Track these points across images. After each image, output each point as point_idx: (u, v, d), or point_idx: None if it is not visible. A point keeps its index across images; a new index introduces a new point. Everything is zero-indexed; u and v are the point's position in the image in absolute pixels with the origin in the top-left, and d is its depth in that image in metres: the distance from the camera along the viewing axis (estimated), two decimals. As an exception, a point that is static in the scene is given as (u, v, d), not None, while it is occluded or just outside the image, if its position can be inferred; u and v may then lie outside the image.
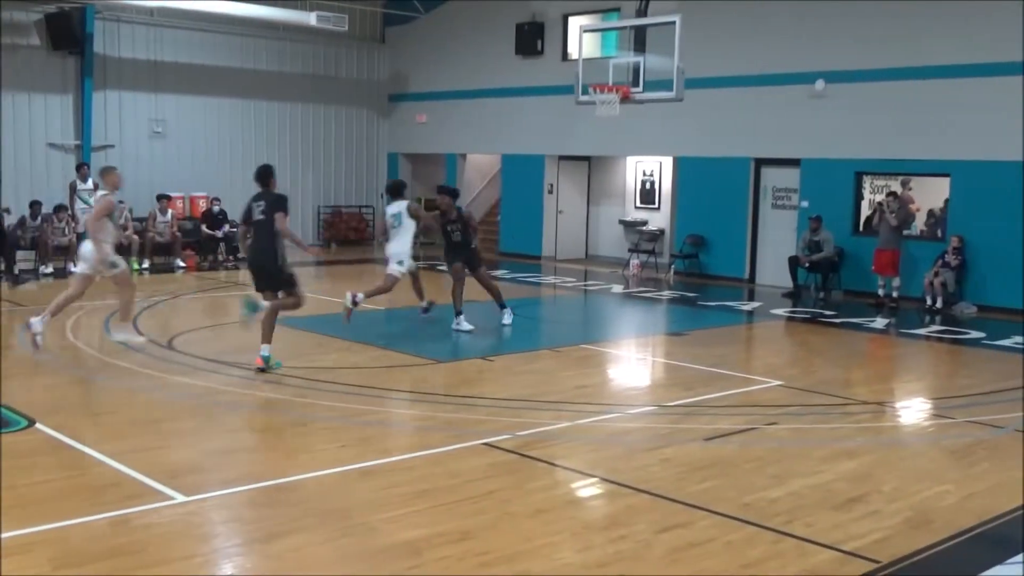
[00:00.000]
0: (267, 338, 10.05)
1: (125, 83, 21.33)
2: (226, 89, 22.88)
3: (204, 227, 20.55)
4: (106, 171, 10.98)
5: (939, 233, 16.82)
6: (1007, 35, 15.22)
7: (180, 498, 6.24)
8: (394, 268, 12.71)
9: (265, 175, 10.27)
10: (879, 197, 17.24)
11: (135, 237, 18.82)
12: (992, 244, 15.57)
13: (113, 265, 10.61)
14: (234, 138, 23.17)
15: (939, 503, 6.52)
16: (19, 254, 17.71)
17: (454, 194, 13.53)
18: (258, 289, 10.38)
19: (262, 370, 9.94)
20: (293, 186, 24.24)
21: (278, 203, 10.07)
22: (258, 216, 10.09)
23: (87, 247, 10.57)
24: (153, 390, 9.29)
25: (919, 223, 17.43)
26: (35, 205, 18.21)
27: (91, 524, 5.78)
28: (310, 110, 24.54)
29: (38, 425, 7.82)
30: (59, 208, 18.06)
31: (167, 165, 21.86)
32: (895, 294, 16.01)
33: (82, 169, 18.39)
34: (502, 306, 13.27)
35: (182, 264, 19.33)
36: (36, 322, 10.46)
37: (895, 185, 17.30)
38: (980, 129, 15.67)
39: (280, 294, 10.25)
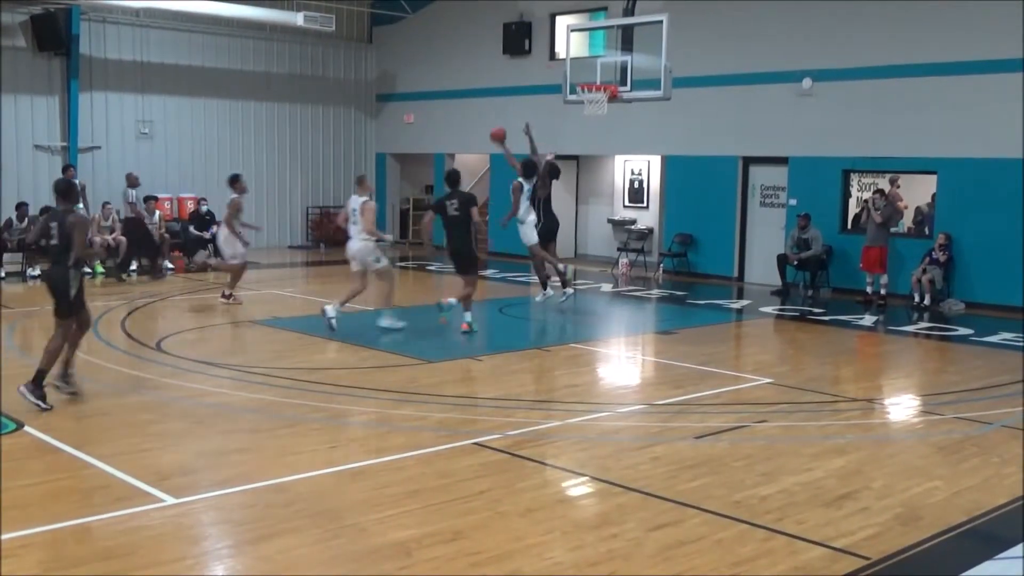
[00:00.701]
0: (468, 306, 12.44)
1: (111, 84, 21.24)
2: (213, 90, 22.82)
3: (192, 228, 20.48)
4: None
5: (927, 230, 16.89)
6: (994, 32, 15.29)
7: (170, 500, 6.22)
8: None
9: (454, 179, 12.54)
10: (867, 195, 17.30)
11: (123, 239, 18.75)
12: (979, 241, 15.64)
13: (377, 260, 12.49)
14: (221, 139, 23.11)
15: (928, 499, 6.54)
16: (6, 256, 17.61)
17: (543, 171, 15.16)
18: (458, 271, 12.76)
19: (466, 333, 12.29)
20: (281, 187, 24.23)
21: (471, 201, 12.45)
22: (452, 212, 12.27)
23: (355, 246, 12.40)
24: (142, 392, 9.26)
25: (907, 220, 17.49)
26: (21, 207, 18.12)
27: (81, 527, 5.76)
28: (297, 110, 24.49)
29: (27, 428, 7.79)
30: (46, 210, 17.96)
31: (154, 166, 21.77)
32: (883, 291, 16.06)
33: (69, 171, 18.33)
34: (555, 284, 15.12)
35: (171, 266, 19.25)
36: (330, 308, 12.12)
37: (883, 183, 17.35)
38: (967, 126, 15.73)
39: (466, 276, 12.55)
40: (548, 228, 14.89)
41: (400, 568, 5.29)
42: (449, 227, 12.39)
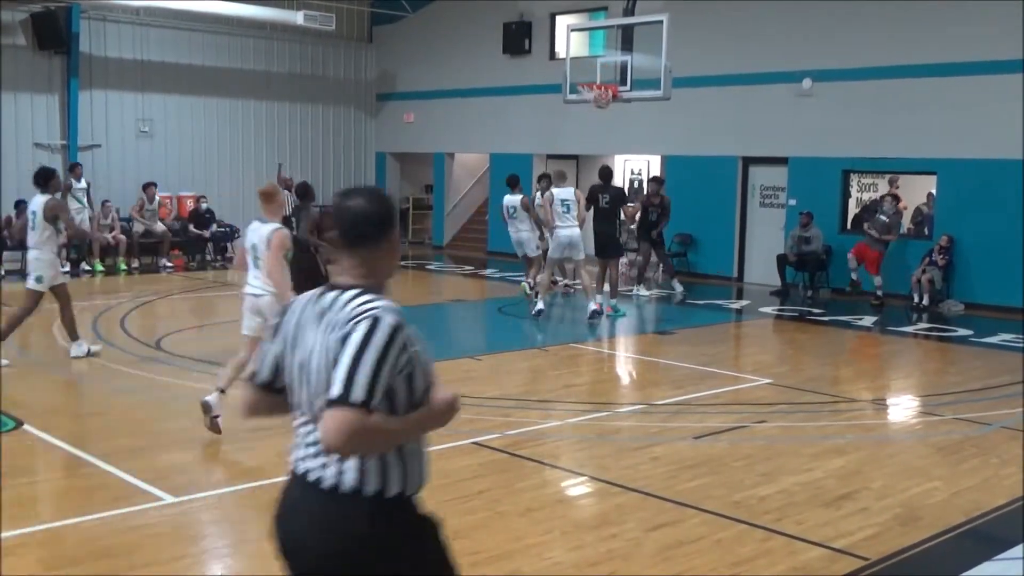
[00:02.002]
0: (614, 294, 14.22)
1: (111, 82, 21.23)
2: (213, 88, 22.80)
3: (191, 227, 20.48)
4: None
5: (926, 231, 16.88)
6: (994, 33, 15.29)
7: (169, 499, 6.22)
8: (531, 249, 15.15)
9: (608, 175, 14.19)
10: (867, 195, 17.32)
11: (122, 237, 18.77)
12: (979, 242, 15.64)
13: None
14: (221, 138, 23.09)
15: (928, 500, 6.55)
16: (5, 255, 17.61)
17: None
18: (600, 256, 14.11)
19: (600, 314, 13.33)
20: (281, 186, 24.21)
21: (623, 198, 14.31)
22: (604, 205, 13.83)
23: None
24: (141, 391, 9.26)
25: (906, 221, 17.49)
26: (21, 204, 18.09)
27: (81, 525, 5.76)
28: (297, 109, 24.47)
29: (26, 426, 7.79)
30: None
31: (154, 165, 21.73)
32: (879, 292, 16.06)
33: (76, 169, 18.37)
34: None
35: (169, 264, 19.25)
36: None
37: (882, 183, 17.37)
38: (967, 127, 15.73)
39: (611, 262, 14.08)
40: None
41: (399, 567, 5.28)
42: (599, 217, 13.95)
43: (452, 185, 24.72)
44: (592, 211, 14.07)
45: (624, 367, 11.82)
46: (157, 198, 19.81)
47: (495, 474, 6.92)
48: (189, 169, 22.38)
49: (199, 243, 20.42)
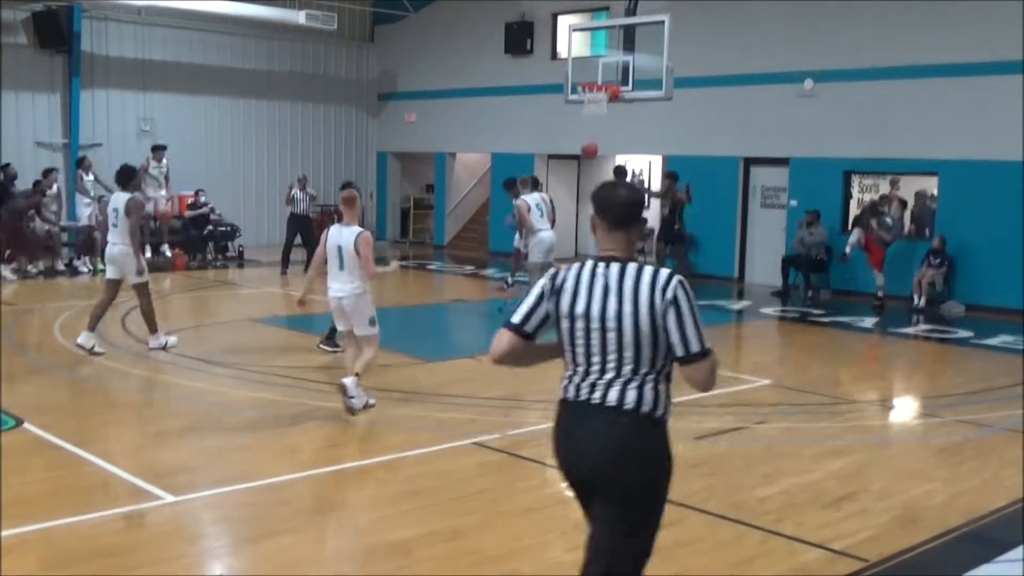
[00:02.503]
0: None
1: (113, 82, 21.24)
2: (214, 88, 22.81)
3: (188, 213, 20.55)
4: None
5: (927, 232, 16.87)
6: (996, 34, 15.28)
7: (169, 498, 6.22)
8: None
9: (622, 174, 14.40)
10: (868, 196, 17.32)
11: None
12: (980, 243, 15.63)
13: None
14: (222, 137, 23.10)
15: (927, 502, 6.54)
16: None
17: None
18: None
19: None
20: (282, 185, 24.18)
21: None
22: None
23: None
24: (142, 390, 9.26)
25: (906, 222, 17.48)
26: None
27: (80, 524, 5.76)
28: (299, 109, 24.48)
29: (26, 425, 7.79)
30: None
31: (155, 164, 21.78)
32: (880, 292, 16.05)
33: (84, 161, 18.42)
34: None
35: (168, 253, 19.27)
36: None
37: (883, 184, 17.36)
38: (968, 128, 15.72)
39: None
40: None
41: (399, 567, 5.29)
42: None
43: (453, 185, 24.72)
44: None
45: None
46: (165, 161, 19.71)
47: (495, 474, 6.92)
48: (190, 168, 22.36)
49: (200, 242, 20.41)
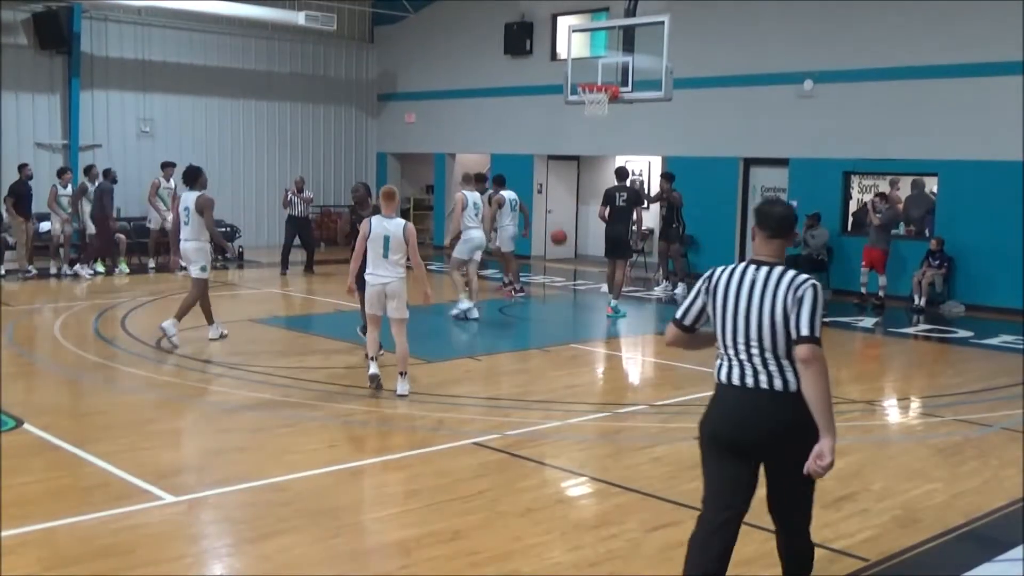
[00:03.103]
0: (618, 295, 14.22)
1: (112, 83, 21.25)
2: (214, 89, 22.82)
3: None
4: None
5: (927, 232, 16.87)
6: (996, 35, 15.29)
7: (169, 498, 6.22)
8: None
9: (624, 175, 14.65)
10: (867, 196, 17.30)
11: (121, 236, 18.75)
12: (980, 243, 15.63)
13: None
14: (222, 138, 23.11)
15: (927, 501, 6.54)
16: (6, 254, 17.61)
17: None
18: (610, 255, 14.11)
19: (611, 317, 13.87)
20: (281, 186, 24.17)
21: (639, 199, 14.75)
22: (620, 204, 14.03)
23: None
24: (141, 390, 9.26)
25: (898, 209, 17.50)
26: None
27: (80, 524, 5.76)
28: (298, 110, 24.49)
29: (26, 425, 7.79)
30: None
31: (155, 165, 21.64)
32: (881, 293, 16.05)
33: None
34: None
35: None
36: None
37: (883, 185, 17.36)
38: (968, 128, 15.73)
39: (619, 262, 14.10)
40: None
41: (399, 568, 5.29)
42: (613, 216, 14.12)
43: (453, 186, 24.69)
44: (608, 211, 14.21)
45: (624, 368, 11.82)
46: (173, 179, 19.48)
47: (495, 474, 6.92)
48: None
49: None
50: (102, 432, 7.87)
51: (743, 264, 4.44)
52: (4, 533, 5.50)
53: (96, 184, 17.82)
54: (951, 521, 6.17)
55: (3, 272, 17.09)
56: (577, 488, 6.89)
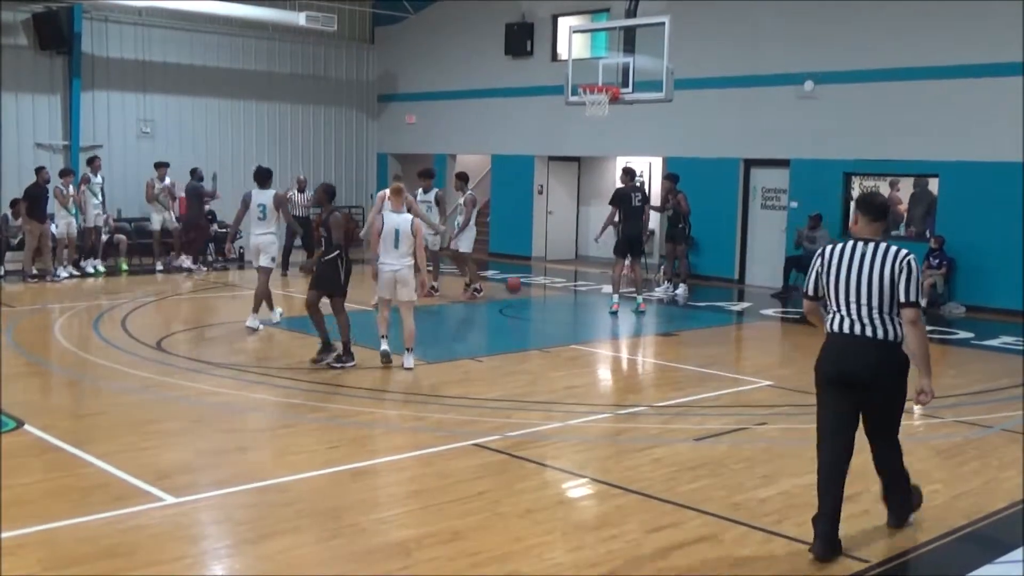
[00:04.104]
0: (639, 290, 14.82)
1: (113, 83, 21.24)
2: (214, 89, 22.81)
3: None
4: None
5: (927, 233, 16.87)
6: (995, 36, 15.29)
7: (170, 499, 6.22)
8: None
9: (632, 175, 14.74)
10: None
11: (122, 237, 18.75)
12: (980, 244, 15.63)
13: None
14: (223, 138, 23.09)
15: (928, 503, 6.52)
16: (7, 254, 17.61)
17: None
18: (628, 254, 14.45)
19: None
20: (283, 187, 24.13)
21: (648, 197, 15.11)
22: (636, 204, 14.29)
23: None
24: (142, 391, 9.26)
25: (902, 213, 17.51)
26: (16, 204, 18.01)
27: (80, 525, 5.76)
28: (299, 110, 24.47)
29: (27, 426, 7.79)
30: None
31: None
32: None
33: (95, 162, 18.41)
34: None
35: (190, 266, 18.92)
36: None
37: (883, 186, 17.36)
38: (968, 129, 15.73)
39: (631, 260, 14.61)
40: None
41: (400, 568, 5.29)
42: (629, 216, 14.30)
43: (453, 187, 24.69)
44: (622, 211, 14.32)
45: (625, 369, 11.82)
46: (168, 179, 19.53)
47: (495, 475, 6.92)
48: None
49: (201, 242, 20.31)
50: (102, 433, 7.87)
51: (850, 242, 5.65)
52: (4, 534, 5.50)
53: (189, 182, 18.99)
54: (952, 522, 6.17)
55: (3, 272, 17.09)
56: (577, 489, 6.89)
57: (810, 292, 5.82)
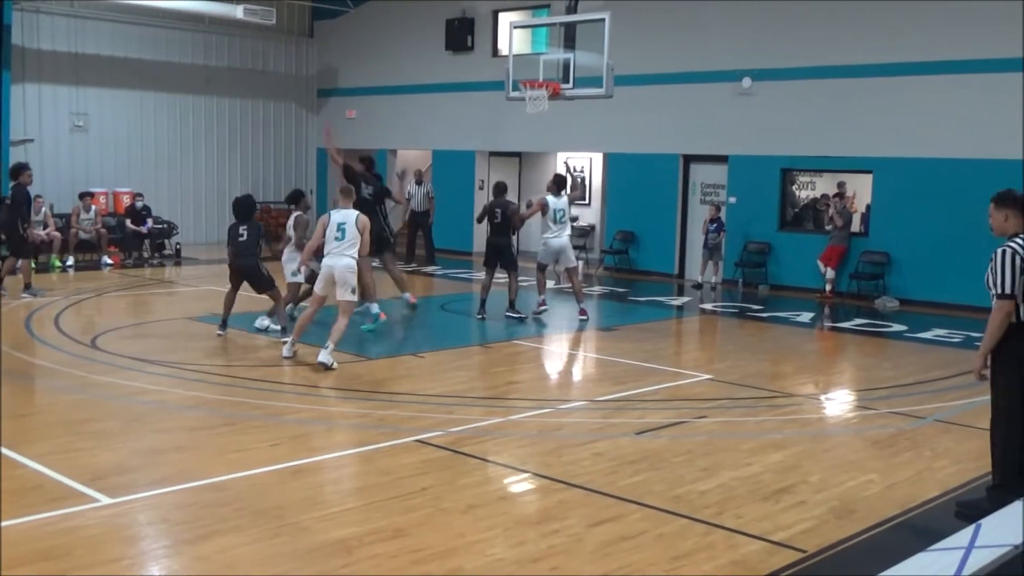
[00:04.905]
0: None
1: (45, 76, 20.82)
2: (150, 82, 22.46)
3: (128, 222, 20.15)
4: (347, 190, 11.15)
5: (862, 229, 17.17)
6: (929, 34, 15.60)
7: (106, 500, 6.12)
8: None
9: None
10: (807, 193, 17.59)
11: (56, 234, 18.40)
12: (913, 239, 15.94)
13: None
14: (158, 133, 22.76)
15: (863, 493, 6.66)
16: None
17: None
18: (504, 267, 13.99)
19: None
20: (220, 182, 23.90)
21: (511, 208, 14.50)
22: (496, 220, 13.94)
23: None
24: (76, 390, 9.09)
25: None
26: None
27: (15, 528, 5.64)
28: (237, 105, 24.20)
29: (-44, 427, 7.61)
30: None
31: (89, 160, 21.39)
32: (828, 287, 16.37)
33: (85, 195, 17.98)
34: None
35: (109, 262, 18.90)
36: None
37: (820, 182, 17.63)
38: (902, 126, 16.03)
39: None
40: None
41: (341, 566, 5.26)
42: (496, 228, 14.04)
43: (396, 182, 24.59)
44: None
45: (566, 364, 11.87)
46: (94, 208, 19.33)
47: (438, 471, 6.91)
48: (125, 165, 22.04)
49: (136, 240, 20.07)
50: (36, 433, 7.73)
51: (1017, 239, 6.08)
52: (-66, 537, 5.37)
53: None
54: (886, 512, 6.29)
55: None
56: (519, 484, 6.91)
57: (1010, 293, 5.98)
